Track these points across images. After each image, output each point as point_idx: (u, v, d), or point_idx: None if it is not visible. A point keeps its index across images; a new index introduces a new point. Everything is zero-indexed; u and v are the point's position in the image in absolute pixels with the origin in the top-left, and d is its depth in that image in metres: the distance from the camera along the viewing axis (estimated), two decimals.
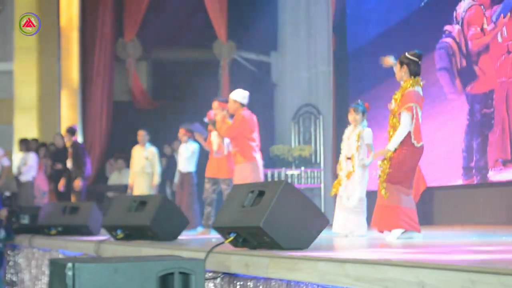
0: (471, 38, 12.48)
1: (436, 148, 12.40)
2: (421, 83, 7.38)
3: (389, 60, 7.67)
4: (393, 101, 7.42)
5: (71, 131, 14.72)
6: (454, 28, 12.82)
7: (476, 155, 11.99)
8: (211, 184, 10.52)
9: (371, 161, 8.46)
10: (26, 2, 16.58)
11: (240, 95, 9.93)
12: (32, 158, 15.19)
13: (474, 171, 12.00)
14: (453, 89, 12.65)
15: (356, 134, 8.51)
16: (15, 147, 16.67)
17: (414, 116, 7.19)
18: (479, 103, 12.05)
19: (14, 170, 16.34)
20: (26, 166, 15.07)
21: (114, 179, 16.04)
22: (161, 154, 13.31)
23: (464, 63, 12.72)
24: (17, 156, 16.49)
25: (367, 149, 8.51)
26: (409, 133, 7.23)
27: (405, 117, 7.18)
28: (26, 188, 15.15)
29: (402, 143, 7.23)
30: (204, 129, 10.51)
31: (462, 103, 12.38)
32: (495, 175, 11.59)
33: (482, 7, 12.28)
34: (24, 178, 15.14)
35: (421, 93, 7.35)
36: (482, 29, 12.21)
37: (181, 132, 12.65)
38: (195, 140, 12.31)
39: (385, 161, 7.28)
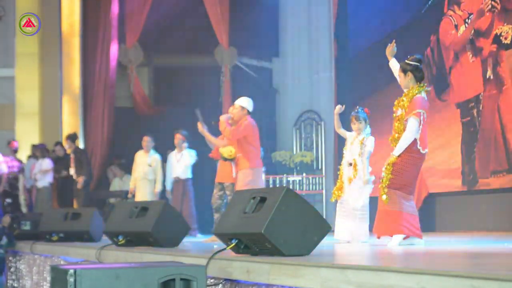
0: (444, 48, 12.65)
1: (437, 155, 12.41)
2: (427, 89, 7.38)
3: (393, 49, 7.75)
4: (398, 107, 7.39)
5: (72, 137, 14.74)
6: (433, 39, 12.97)
7: (476, 163, 12.00)
8: (218, 190, 10.52)
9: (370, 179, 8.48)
10: (27, 7, 16.59)
11: (248, 103, 10.00)
12: (48, 164, 15.23)
13: (475, 177, 12.01)
14: (443, 97, 12.75)
15: (359, 140, 8.50)
16: (17, 153, 16.67)
17: (422, 122, 7.18)
18: (469, 111, 12.13)
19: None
20: (42, 172, 15.11)
21: (115, 185, 16.05)
22: (163, 160, 13.30)
23: (436, 72, 12.85)
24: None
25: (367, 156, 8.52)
26: (415, 139, 7.21)
27: (413, 123, 7.16)
28: (42, 194, 15.19)
29: (406, 149, 7.21)
30: (200, 118, 10.45)
31: (457, 111, 12.45)
32: (496, 182, 11.60)
33: (453, 19, 12.42)
34: (40, 184, 15.18)
35: (426, 99, 7.36)
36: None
37: (178, 137, 12.65)
38: (190, 147, 12.46)
39: (388, 167, 7.27)
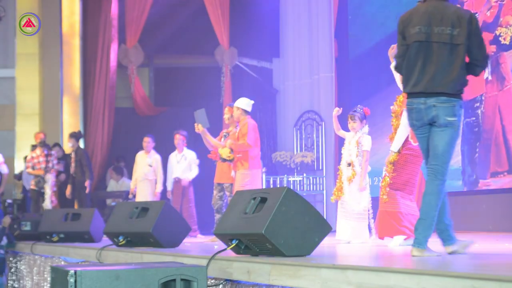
0: None
1: None
2: None
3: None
4: (395, 104, 7.42)
5: (77, 136, 14.60)
6: None
7: (477, 163, 11.99)
8: (218, 191, 10.55)
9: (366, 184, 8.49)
10: (27, 8, 16.57)
11: (244, 103, 10.04)
12: None
13: (476, 178, 12.00)
14: None
15: (356, 140, 8.52)
16: (17, 154, 16.67)
17: None
18: (473, 111, 12.11)
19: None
20: None
21: (112, 186, 16.02)
22: (163, 161, 13.29)
23: None
24: (19, 163, 16.47)
25: (364, 156, 8.51)
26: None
27: (405, 116, 7.18)
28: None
29: (403, 145, 7.22)
30: (206, 118, 10.44)
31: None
32: (497, 183, 11.59)
33: None
34: None
35: None
36: None
37: (178, 138, 12.65)
38: (188, 148, 12.46)
39: (389, 165, 7.28)
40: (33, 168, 14.50)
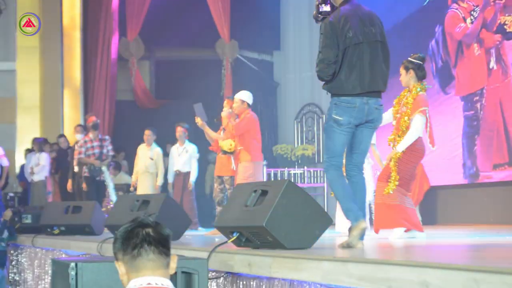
0: (451, 41, 12.62)
1: (438, 148, 12.39)
2: (428, 86, 7.43)
3: None
4: (402, 104, 7.40)
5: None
6: (437, 30, 12.94)
7: (478, 156, 12.00)
8: (218, 184, 10.56)
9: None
10: (28, 1, 16.58)
11: (247, 96, 10.05)
12: (45, 158, 15.10)
13: (476, 171, 12.00)
14: (447, 90, 12.73)
15: None
16: (18, 147, 16.67)
17: (428, 119, 7.22)
18: (472, 104, 12.11)
19: (17, 169, 16.32)
20: (39, 165, 14.96)
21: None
22: (164, 154, 13.29)
23: (442, 64, 12.83)
24: (19, 155, 16.48)
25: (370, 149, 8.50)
26: (420, 137, 7.24)
27: (419, 120, 7.18)
28: (38, 188, 15.05)
29: (410, 146, 7.23)
30: (204, 112, 10.43)
31: (460, 104, 12.42)
32: (498, 175, 11.60)
33: (460, 12, 12.38)
34: (37, 177, 15.02)
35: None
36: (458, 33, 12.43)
37: (179, 130, 12.62)
38: (190, 141, 12.44)
39: (392, 162, 7.27)
40: (85, 154, 13.23)
